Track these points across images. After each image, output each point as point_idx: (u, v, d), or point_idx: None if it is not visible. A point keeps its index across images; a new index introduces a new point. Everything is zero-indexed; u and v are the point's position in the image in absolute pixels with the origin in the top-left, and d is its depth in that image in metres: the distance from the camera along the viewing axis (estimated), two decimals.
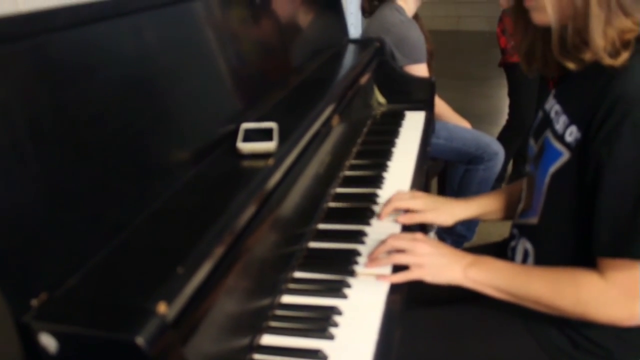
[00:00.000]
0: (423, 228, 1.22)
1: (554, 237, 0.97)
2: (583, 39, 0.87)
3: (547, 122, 1.00)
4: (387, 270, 0.98)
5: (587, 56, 0.87)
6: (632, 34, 0.85)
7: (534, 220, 1.02)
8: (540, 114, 1.07)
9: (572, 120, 0.92)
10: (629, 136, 0.80)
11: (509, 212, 1.21)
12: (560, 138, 0.93)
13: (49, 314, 0.55)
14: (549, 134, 0.98)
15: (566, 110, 0.95)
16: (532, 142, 1.07)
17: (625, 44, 0.84)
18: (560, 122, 0.95)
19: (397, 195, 1.20)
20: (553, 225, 0.97)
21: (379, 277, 0.95)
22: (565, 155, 0.92)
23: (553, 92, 1.05)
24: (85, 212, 0.66)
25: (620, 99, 0.81)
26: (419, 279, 0.96)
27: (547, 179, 0.96)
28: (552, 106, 1.01)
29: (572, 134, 0.91)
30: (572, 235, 0.93)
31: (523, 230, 1.07)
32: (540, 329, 0.99)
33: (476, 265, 0.96)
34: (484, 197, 1.24)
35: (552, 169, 0.94)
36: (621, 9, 0.84)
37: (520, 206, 1.10)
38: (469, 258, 0.97)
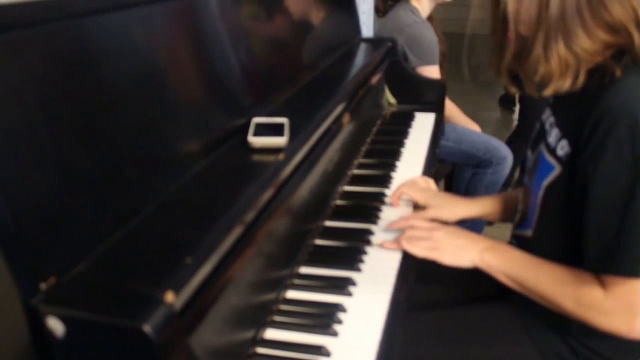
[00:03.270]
0: None
1: (546, 250, 0.95)
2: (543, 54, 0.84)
3: (543, 134, 1.00)
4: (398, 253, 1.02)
5: (538, 75, 0.86)
6: (599, 58, 0.83)
7: (528, 232, 1.01)
8: (538, 124, 1.06)
9: (564, 134, 0.91)
10: (613, 152, 0.79)
11: (510, 215, 1.21)
12: (553, 152, 0.93)
13: (57, 298, 0.55)
14: (542, 147, 0.98)
15: (559, 123, 0.94)
16: (529, 153, 1.07)
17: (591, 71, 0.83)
18: (552, 134, 0.94)
19: (410, 182, 1.25)
20: (546, 239, 0.97)
21: (394, 245, 1.02)
22: (557, 170, 0.91)
23: (550, 101, 1.04)
24: (96, 199, 0.66)
25: (605, 114, 0.80)
26: (437, 260, 0.98)
27: (541, 193, 0.95)
28: (548, 117, 1.00)
29: (563, 148, 0.90)
30: (564, 249, 0.92)
31: (520, 242, 1.07)
32: (541, 335, 0.98)
33: (492, 250, 0.97)
34: (487, 199, 1.25)
35: (546, 182, 0.94)
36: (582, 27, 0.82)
37: (517, 217, 1.10)
38: (486, 242, 0.98)
